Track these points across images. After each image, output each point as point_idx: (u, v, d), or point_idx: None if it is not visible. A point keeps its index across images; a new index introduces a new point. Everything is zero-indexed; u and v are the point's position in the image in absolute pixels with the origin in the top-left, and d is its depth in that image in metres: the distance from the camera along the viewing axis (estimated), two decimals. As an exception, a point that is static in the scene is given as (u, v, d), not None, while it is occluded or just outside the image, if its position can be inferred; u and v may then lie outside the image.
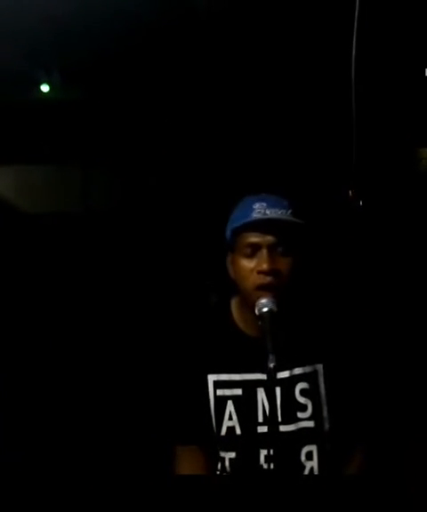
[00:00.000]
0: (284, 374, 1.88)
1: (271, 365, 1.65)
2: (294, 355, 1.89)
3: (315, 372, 1.88)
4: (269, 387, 1.71)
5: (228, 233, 1.93)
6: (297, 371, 1.89)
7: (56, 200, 5.17)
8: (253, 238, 1.86)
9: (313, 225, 1.95)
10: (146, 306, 4.47)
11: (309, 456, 1.86)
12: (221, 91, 4.44)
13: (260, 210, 1.83)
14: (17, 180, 5.20)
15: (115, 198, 5.09)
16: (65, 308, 4.56)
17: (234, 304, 2.02)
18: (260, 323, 1.79)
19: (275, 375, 1.67)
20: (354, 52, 1.85)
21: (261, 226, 1.82)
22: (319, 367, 1.89)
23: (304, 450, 1.85)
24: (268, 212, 1.83)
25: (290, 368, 1.89)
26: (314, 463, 1.86)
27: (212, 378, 1.94)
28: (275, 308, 1.79)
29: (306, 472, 1.85)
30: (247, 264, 1.85)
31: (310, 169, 4.86)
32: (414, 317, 3.92)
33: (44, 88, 4.34)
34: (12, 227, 4.80)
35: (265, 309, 1.80)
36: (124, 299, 4.57)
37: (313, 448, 1.86)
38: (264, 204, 1.85)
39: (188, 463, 1.95)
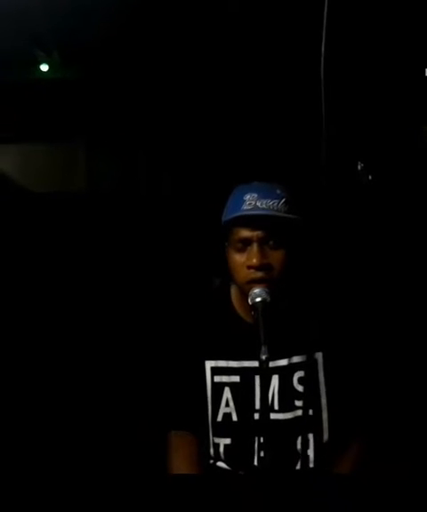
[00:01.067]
0: (282, 362, 1.88)
1: (263, 357, 1.63)
2: (293, 343, 1.88)
3: (314, 361, 1.87)
4: (262, 377, 1.72)
5: (223, 223, 1.91)
6: (296, 359, 1.88)
7: (60, 179, 5.16)
8: (244, 233, 1.85)
9: (308, 214, 1.92)
10: (148, 287, 4.47)
11: (305, 444, 1.86)
12: (222, 73, 4.40)
13: (250, 201, 1.81)
14: (21, 158, 5.19)
15: (118, 177, 5.07)
16: (67, 287, 4.56)
17: (233, 290, 2.02)
18: (253, 313, 1.78)
19: (267, 366, 1.65)
20: (324, 41, 1.81)
21: (251, 220, 1.80)
22: (319, 356, 1.88)
23: (300, 438, 1.84)
24: (258, 203, 1.80)
25: (288, 356, 1.88)
26: (310, 452, 1.86)
27: (209, 364, 1.94)
28: (268, 299, 1.78)
29: (302, 460, 1.86)
30: (239, 258, 1.84)
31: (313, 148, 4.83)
32: (416, 307, 3.90)
33: (44, 67, 4.30)
34: (16, 205, 4.79)
35: (258, 299, 1.78)
36: (126, 280, 4.57)
37: (310, 437, 1.85)
38: (255, 195, 1.82)
39: (181, 449, 1.96)
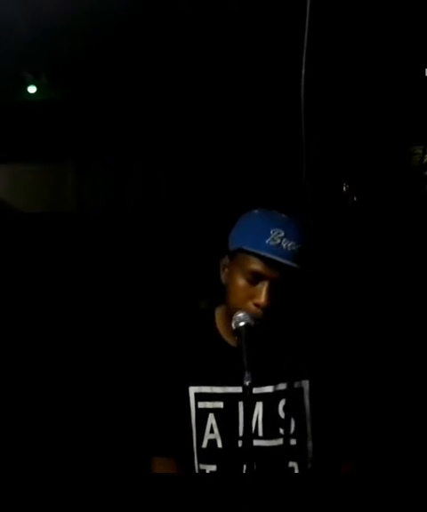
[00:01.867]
0: (267, 389, 1.87)
1: (247, 383, 1.62)
2: (280, 370, 1.87)
3: (300, 389, 1.86)
4: (245, 403, 1.68)
5: (233, 243, 1.86)
6: (281, 386, 1.86)
7: (49, 199, 5.16)
8: (261, 268, 1.79)
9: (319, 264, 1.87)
10: (135, 307, 4.46)
11: (289, 473, 1.84)
12: (211, 89, 4.41)
13: (276, 239, 1.76)
14: (10, 178, 5.20)
15: (107, 197, 5.08)
16: (55, 306, 4.55)
17: (218, 313, 1.98)
18: (236, 337, 1.77)
19: (250, 392, 1.64)
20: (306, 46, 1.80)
21: (273, 261, 1.76)
22: (305, 384, 1.87)
23: (285, 466, 1.83)
24: (284, 244, 1.76)
25: (274, 383, 1.87)
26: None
27: (193, 390, 1.92)
28: (252, 323, 1.76)
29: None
30: (245, 289, 1.80)
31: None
32: (405, 334, 3.89)
33: (32, 89, 4.32)
34: (5, 225, 4.79)
35: (241, 324, 1.76)
36: (114, 299, 4.56)
37: (294, 465, 1.84)
38: (282, 233, 1.77)
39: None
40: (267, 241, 1.77)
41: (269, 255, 1.75)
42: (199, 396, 1.91)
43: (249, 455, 1.68)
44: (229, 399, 1.88)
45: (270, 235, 1.77)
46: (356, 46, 4.12)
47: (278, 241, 1.77)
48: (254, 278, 1.79)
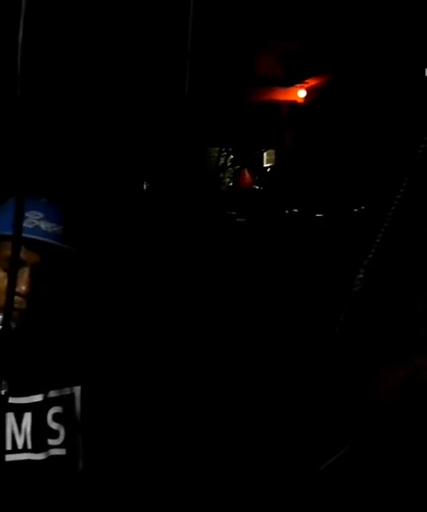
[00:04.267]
0: (37, 398, 1.70)
1: (2, 392, 1.56)
2: (50, 376, 1.70)
3: (71, 395, 1.71)
4: None
5: None
6: (52, 394, 1.70)
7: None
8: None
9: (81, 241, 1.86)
10: None
11: (59, 484, 1.73)
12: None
13: (33, 221, 1.66)
14: None
15: None
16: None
17: None
18: None
19: (5, 402, 1.59)
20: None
21: (31, 242, 1.61)
22: (77, 389, 1.71)
23: (54, 478, 1.71)
24: (42, 225, 1.65)
25: (44, 391, 1.69)
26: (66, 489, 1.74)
27: None
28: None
29: (56, 498, 1.75)
30: (2, 280, 1.64)
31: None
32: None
33: None
34: None
35: None
36: None
37: (66, 475, 1.71)
38: (40, 215, 1.66)
39: None
40: (24, 224, 1.63)
41: (26, 235, 1.60)
42: None
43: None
44: None
45: (27, 217, 1.66)
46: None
47: (36, 223, 1.66)
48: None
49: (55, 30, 4.54)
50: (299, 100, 7.21)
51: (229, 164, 6.33)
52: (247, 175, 7.50)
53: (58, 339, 1.73)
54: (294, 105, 7.23)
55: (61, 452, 1.68)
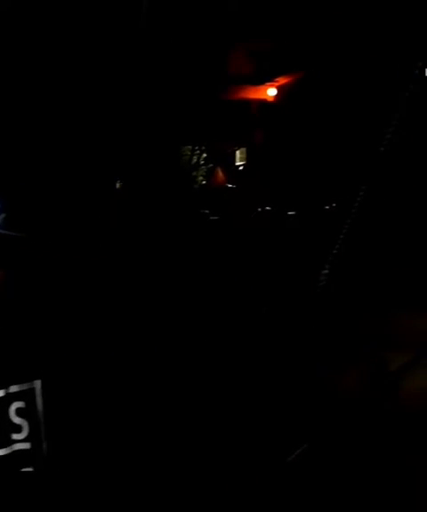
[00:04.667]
0: None
1: None
2: (10, 371, 1.72)
3: (32, 390, 1.73)
4: None
5: None
6: (13, 389, 1.71)
7: None
8: None
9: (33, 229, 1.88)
10: None
11: (25, 478, 1.77)
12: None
13: None
14: None
15: None
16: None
17: None
18: None
19: None
20: None
21: None
22: (37, 384, 1.74)
23: (19, 473, 1.74)
24: None
25: (5, 386, 1.70)
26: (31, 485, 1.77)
27: None
28: None
29: (22, 493, 1.79)
30: None
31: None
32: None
33: None
34: None
35: None
36: None
37: (30, 469, 1.74)
38: None
39: None
40: None
41: None
42: None
43: None
44: None
45: None
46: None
47: None
48: None
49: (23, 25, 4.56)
50: (269, 99, 7.28)
51: (202, 162, 6.38)
52: (220, 173, 7.57)
53: (14, 331, 1.72)
54: (264, 103, 7.30)
55: (26, 446, 1.70)
